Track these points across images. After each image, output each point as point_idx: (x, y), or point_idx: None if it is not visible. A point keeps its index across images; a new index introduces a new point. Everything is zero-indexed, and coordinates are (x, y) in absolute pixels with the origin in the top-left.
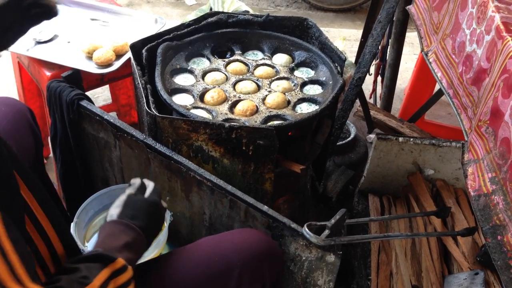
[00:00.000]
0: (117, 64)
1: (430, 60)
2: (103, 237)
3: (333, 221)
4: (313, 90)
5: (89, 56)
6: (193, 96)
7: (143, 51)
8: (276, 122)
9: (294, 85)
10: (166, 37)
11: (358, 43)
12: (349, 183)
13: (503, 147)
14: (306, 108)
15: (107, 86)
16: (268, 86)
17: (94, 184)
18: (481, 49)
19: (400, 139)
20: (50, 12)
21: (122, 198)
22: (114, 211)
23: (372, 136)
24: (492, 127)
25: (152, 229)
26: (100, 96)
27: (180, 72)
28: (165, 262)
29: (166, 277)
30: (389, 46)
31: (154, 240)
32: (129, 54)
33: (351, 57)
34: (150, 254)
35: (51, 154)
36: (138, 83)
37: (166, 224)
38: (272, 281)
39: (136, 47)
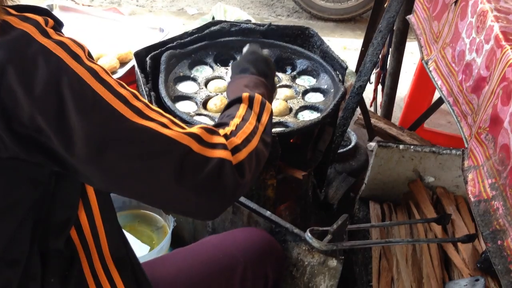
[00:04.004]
0: (121, 72)
1: (430, 68)
2: (229, 96)
3: (335, 226)
4: (315, 98)
5: None
6: (196, 103)
7: (147, 59)
8: (278, 129)
9: (296, 93)
10: (169, 45)
11: (358, 53)
12: (350, 190)
13: (503, 153)
14: (308, 116)
15: None
16: None
17: None
18: (481, 58)
19: (401, 146)
20: None
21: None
22: (228, 79)
23: (373, 143)
24: (492, 134)
25: (260, 68)
26: None
27: (183, 79)
28: (171, 260)
29: (172, 275)
30: (389, 55)
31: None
32: (133, 62)
33: (351, 66)
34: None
35: None
36: (142, 91)
37: (169, 230)
38: (275, 278)
39: (140, 55)
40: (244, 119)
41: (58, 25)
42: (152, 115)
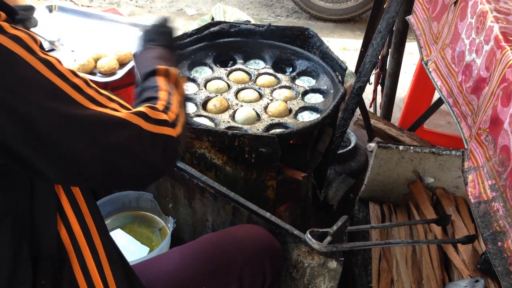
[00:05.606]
0: (120, 73)
1: (430, 69)
2: (140, 66)
3: (335, 227)
4: (314, 98)
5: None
6: (196, 104)
7: None
8: (278, 130)
9: (295, 94)
10: None
11: (357, 53)
12: (350, 191)
13: (503, 154)
14: (307, 117)
15: None
16: (269, 94)
17: (96, 192)
18: (480, 59)
19: (400, 147)
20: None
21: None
22: (138, 47)
23: (373, 144)
24: (492, 135)
25: (169, 41)
26: None
27: None
28: (168, 259)
29: (169, 273)
30: (389, 56)
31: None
32: (132, 63)
33: (350, 66)
34: None
35: None
36: None
37: (169, 232)
38: (273, 276)
39: None
40: (169, 93)
41: (12, 15)
42: (103, 101)
